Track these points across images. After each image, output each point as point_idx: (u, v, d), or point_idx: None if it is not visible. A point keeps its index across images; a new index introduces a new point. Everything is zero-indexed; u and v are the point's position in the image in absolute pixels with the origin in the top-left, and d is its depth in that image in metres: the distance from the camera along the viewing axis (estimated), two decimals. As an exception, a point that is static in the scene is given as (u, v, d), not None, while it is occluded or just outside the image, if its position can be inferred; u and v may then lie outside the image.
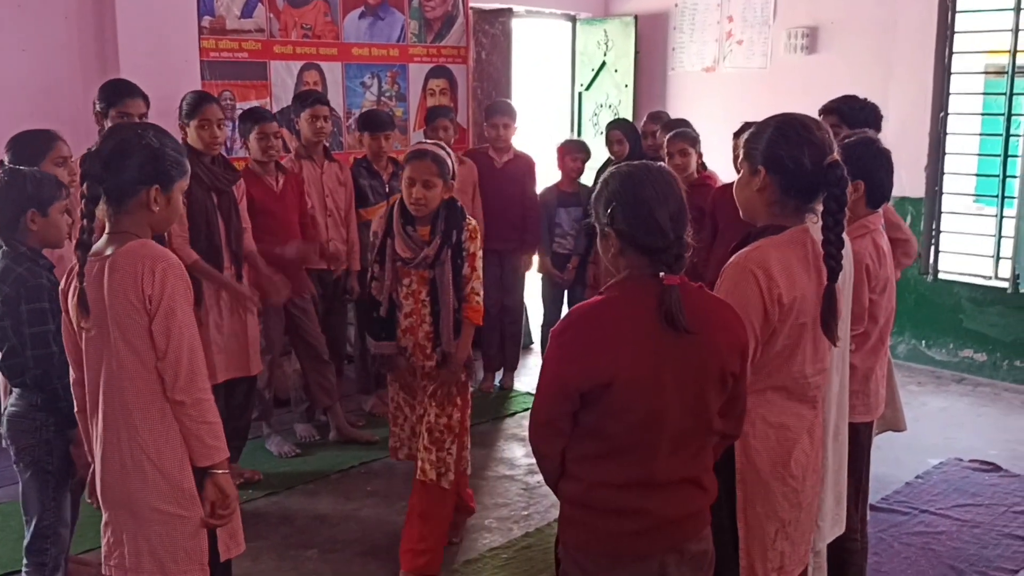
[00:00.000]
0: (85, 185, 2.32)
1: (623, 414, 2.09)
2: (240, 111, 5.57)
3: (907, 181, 6.38)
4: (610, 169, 2.23)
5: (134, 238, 2.36)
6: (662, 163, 2.31)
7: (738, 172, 2.55)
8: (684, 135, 5.10)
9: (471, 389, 3.79)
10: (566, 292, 6.13)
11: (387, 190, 5.33)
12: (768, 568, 2.47)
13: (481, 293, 3.72)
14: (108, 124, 3.88)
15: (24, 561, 3.04)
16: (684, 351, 2.08)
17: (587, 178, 6.07)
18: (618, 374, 2.05)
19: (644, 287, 2.10)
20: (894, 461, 4.63)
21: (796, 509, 2.49)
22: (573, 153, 5.97)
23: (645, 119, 5.97)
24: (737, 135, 4.73)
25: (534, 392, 2.26)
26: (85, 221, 2.31)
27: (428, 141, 3.91)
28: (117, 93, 3.90)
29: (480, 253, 3.70)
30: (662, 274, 2.07)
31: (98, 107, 3.91)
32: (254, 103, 5.66)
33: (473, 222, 3.71)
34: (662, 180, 2.14)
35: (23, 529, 3.08)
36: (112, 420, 2.39)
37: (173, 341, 2.32)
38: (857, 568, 3.32)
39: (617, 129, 6.02)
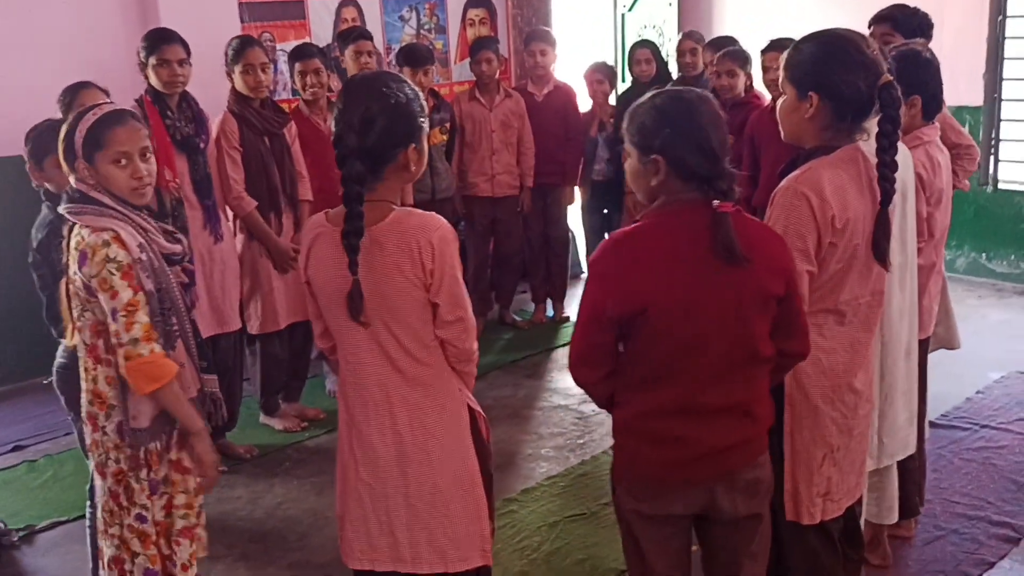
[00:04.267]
0: (346, 167, 2.08)
1: (661, 340, 2.08)
2: (280, 51, 5.59)
3: (964, 89, 6.19)
4: (653, 93, 2.16)
5: (389, 205, 2.17)
6: (703, 89, 2.25)
7: (775, 92, 2.47)
8: (734, 54, 4.95)
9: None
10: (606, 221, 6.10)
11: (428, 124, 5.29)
12: (813, 493, 2.46)
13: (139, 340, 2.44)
14: (149, 73, 3.90)
15: (88, 503, 3.14)
16: (724, 277, 2.06)
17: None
18: (654, 300, 2.04)
19: (686, 214, 2.07)
20: (954, 377, 4.57)
21: (846, 436, 2.47)
22: (596, 75, 5.87)
23: (681, 37, 5.82)
24: (765, 51, 4.57)
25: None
26: (353, 205, 2.07)
27: None
28: (155, 40, 3.91)
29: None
30: (716, 202, 2.03)
31: (140, 57, 3.93)
32: (293, 43, 5.64)
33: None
34: (711, 106, 2.11)
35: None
36: (385, 403, 2.23)
37: (464, 304, 2.21)
38: (915, 485, 3.32)
39: (645, 47, 5.87)
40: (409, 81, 2.26)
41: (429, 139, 5.20)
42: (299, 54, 4.69)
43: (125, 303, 2.42)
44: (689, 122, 2.06)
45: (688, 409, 2.14)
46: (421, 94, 2.24)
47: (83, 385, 2.63)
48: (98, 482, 2.65)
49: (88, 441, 2.65)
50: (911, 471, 3.25)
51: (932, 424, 3.87)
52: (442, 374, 2.27)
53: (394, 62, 5.85)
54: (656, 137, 2.06)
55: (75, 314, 2.54)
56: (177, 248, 2.62)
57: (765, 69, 4.52)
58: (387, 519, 2.29)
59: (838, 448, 2.47)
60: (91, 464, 2.97)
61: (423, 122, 2.21)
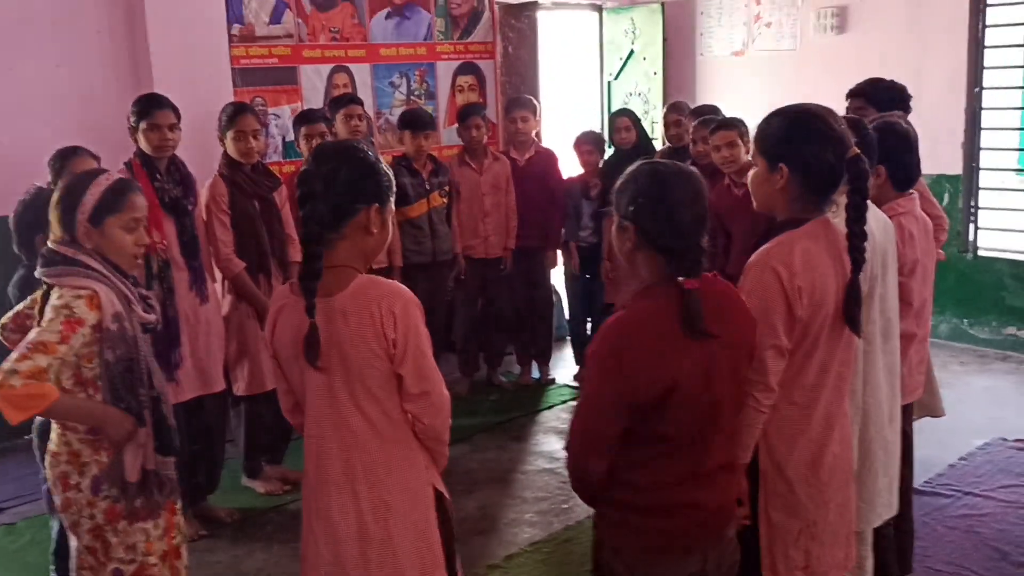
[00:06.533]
0: (307, 207, 2.08)
1: (683, 414, 2.09)
2: (272, 115, 5.68)
3: (944, 158, 6.30)
4: (639, 163, 2.20)
5: (353, 272, 2.15)
6: (691, 166, 2.29)
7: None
8: (730, 125, 4.92)
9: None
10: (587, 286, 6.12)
11: (427, 187, 5.38)
12: (791, 566, 2.46)
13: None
14: (139, 137, 3.95)
15: (52, 567, 3.09)
16: (726, 343, 2.12)
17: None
18: (681, 376, 2.06)
19: (662, 297, 2.09)
20: (937, 443, 4.58)
21: (823, 509, 2.47)
22: (585, 146, 5.96)
23: (667, 110, 5.93)
24: (714, 131, 4.51)
25: (571, 386, 2.25)
26: (312, 246, 2.08)
27: None
28: (145, 106, 3.97)
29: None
30: (680, 279, 2.05)
31: (131, 121, 3.98)
32: (286, 108, 5.75)
33: None
34: (690, 183, 2.12)
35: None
36: (347, 479, 2.18)
37: (431, 378, 2.18)
38: (892, 553, 3.29)
39: (624, 116, 5.98)
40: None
41: (429, 202, 5.34)
42: (305, 118, 4.83)
43: (38, 341, 2.36)
44: (659, 197, 2.08)
45: (696, 473, 2.16)
46: (390, 172, 2.25)
47: (53, 446, 2.59)
48: (72, 543, 2.62)
49: (57, 501, 2.60)
50: (888, 538, 3.24)
51: (916, 491, 3.87)
52: (408, 452, 2.23)
53: (385, 126, 5.96)
54: (629, 208, 2.11)
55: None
56: (151, 318, 2.64)
57: (716, 148, 4.52)
58: None
59: (815, 522, 2.47)
60: (55, 526, 2.92)
61: (389, 193, 2.21)
